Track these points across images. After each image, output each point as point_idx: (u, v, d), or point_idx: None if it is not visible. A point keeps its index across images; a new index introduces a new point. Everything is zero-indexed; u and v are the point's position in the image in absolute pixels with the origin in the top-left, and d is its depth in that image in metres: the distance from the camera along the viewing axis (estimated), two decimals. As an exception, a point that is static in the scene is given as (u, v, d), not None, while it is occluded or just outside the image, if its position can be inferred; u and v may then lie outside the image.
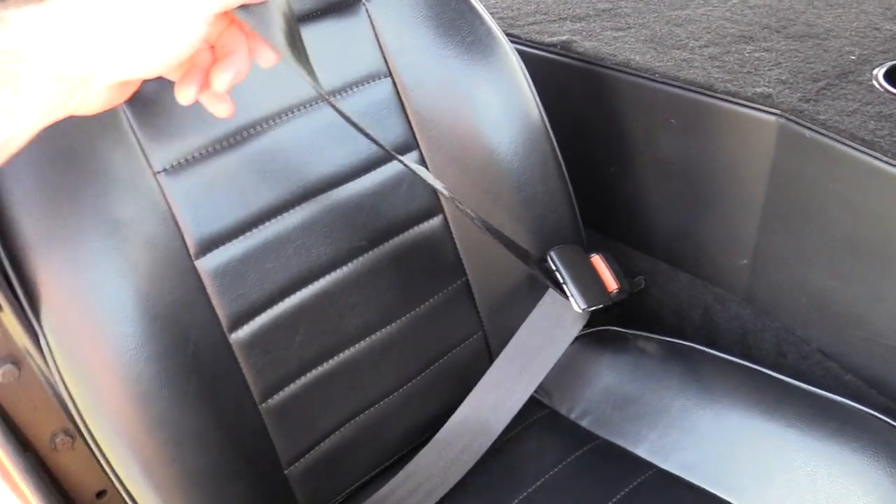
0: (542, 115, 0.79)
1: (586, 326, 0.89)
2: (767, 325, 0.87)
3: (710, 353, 0.82)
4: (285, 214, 0.68)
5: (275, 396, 0.71)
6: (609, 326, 0.89)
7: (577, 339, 0.87)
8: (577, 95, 0.91)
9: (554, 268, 0.76)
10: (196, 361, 0.64)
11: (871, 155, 0.67)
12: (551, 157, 0.79)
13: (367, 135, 0.59)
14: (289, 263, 0.69)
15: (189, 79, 0.47)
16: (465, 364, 0.84)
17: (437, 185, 0.65)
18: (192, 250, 0.64)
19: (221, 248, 0.65)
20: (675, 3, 0.97)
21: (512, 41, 0.93)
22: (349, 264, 0.73)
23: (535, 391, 0.85)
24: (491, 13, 1.00)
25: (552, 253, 0.76)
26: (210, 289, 0.65)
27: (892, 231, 0.68)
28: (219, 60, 0.47)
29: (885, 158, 0.66)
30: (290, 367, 0.71)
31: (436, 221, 0.78)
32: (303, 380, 0.72)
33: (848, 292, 0.75)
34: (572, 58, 0.89)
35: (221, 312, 0.66)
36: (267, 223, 0.67)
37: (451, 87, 0.75)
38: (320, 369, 0.73)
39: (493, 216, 0.78)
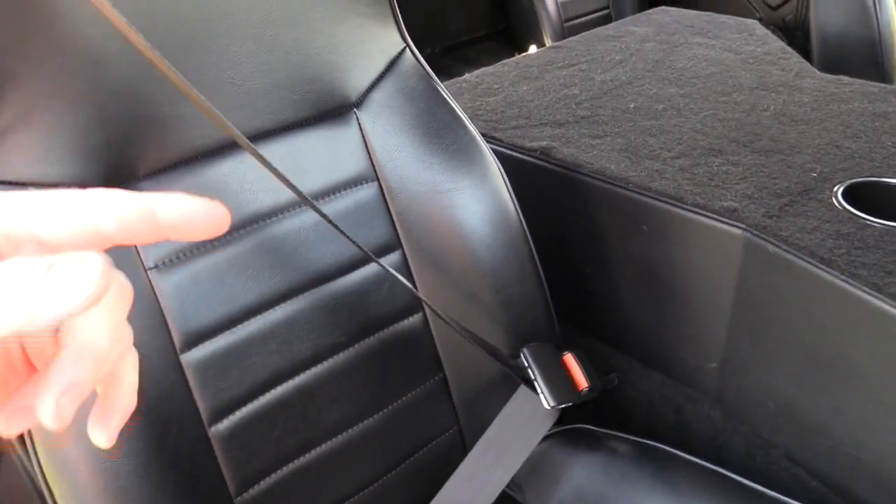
0: (520, 219, 0.82)
1: (559, 423, 0.91)
2: (737, 427, 0.89)
3: (680, 457, 0.83)
4: (270, 311, 0.71)
5: (250, 490, 0.71)
6: (582, 424, 0.91)
7: (550, 435, 0.89)
8: (556, 198, 0.95)
9: (526, 365, 0.78)
10: (175, 455, 0.65)
11: (829, 272, 0.70)
12: (528, 258, 0.83)
13: (348, 237, 0.63)
14: (271, 359, 0.71)
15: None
16: (440, 458, 0.85)
17: (408, 284, 0.68)
18: (177, 345, 0.66)
19: (206, 343, 0.67)
20: (650, 112, 1.03)
21: (495, 144, 0.98)
22: (329, 360, 0.75)
23: (508, 486, 0.86)
24: (476, 115, 1.05)
25: (525, 350, 0.79)
26: (193, 382, 0.67)
27: (851, 346, 0.71)
28: (100, 400, 0.30)
29: (842, 277, 0.69)
30: (267, 461, 0.72)
31: (416, 319, 0.80)
32: (279, 473, 0.73)
33: (812, 401, 0.77)
34: (552, 163, 0.93)
35: (203, 406, 0.67)
36: (252, 319, 0.70)
37: (434, 191, 0.78)
38: (296, 462, 0.74)
39: (471, 315, 0.81)
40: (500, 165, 0.82)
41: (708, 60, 1.22)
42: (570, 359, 0.82)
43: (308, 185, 0.73)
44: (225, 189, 0.69)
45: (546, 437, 0.88)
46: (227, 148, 0.69)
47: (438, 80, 0.81)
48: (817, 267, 0.71)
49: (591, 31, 1.42)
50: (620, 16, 2.25)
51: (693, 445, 0.95)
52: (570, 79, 1.17)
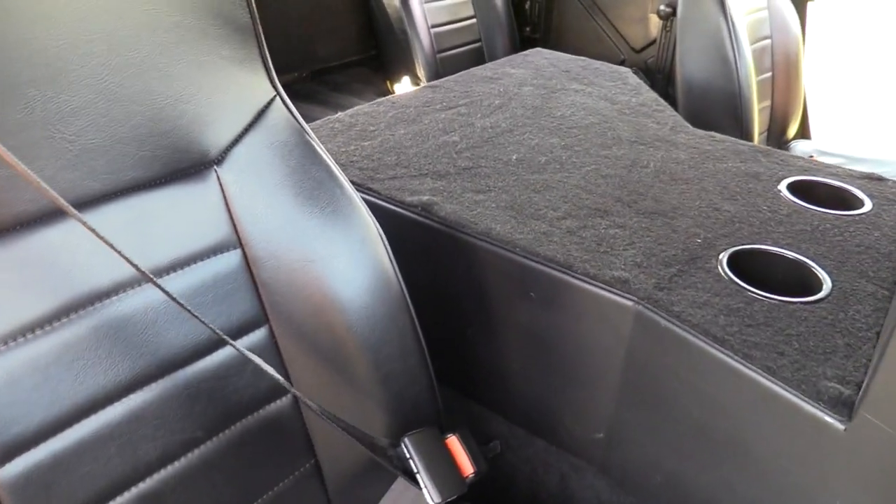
0: (401, 286, 0.75)
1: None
2: (622, 499, 0.86)
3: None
4: (108, 408, 0.59)
5: None
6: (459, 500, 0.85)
7: (432, 516, 0.82)
8: (439, 256, 0.89)
9: (408, 455, 0.71)
10: None
11: (722, 352, 0.68)
12: (410, 329, 0.76)
13: (196, 317, 0.54)
14: (109, 465, 0.59)
15: None
16: (313, 551, 0.76)
17: (272, 372, 0.59)
18: (-13, 457, 0.53)
19: (26, 454, 0.55)
20: (533, 165, 0.99)
21: (372, 196, 0.91)
22: (182, 459, 0.64)
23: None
24: (351, 161, 0.97)
25: (406, 440, 0.72)
26: None
27: (743, 426, 0.69)
28: None
29: (735, 357, 0.67)
30: (104, 583, 0.61)
31: (284, 402, 0.71)
32: None
33: (699, 476, 0.75)
34: (434, 220, 0.87)
35: (20, 530, 0.55)
36: (84, 420, 0.58)
37: (307, 260, 0.70)
38: (143, 580, 0.63)
39: (348, 394, 0.73)
40: (378, 226, 0.75)
41: (586, 109, 1.20)
42: (454, 442, 0.75)
43: (158, 255, 0.63)
44: (53, 263, 0.57)
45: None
46: (54, 215, 0.57)
47: (314, 135, 0.73)
48: (710, 346, 0.69)
49: (469, 70, 1.38)
50: (492, 49, 2.24)
51: (577, 515, 0.91)
52: (449, 123, 1.12)
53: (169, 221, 0.64)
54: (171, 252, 0.64)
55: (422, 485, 0.70)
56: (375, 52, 2.26)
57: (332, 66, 2.21)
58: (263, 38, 0.70)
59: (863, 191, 0.99)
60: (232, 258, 0.67)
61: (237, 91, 0.67)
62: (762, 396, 0.66)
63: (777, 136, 1.92)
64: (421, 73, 2.01)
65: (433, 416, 0.79)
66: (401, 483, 0.75)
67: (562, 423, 0.87)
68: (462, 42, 2.17)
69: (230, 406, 0.67)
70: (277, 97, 0.71)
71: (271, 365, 0.70)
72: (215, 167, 0.66)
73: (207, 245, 0.66)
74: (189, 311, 0.54)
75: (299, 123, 0.72)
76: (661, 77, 2.24)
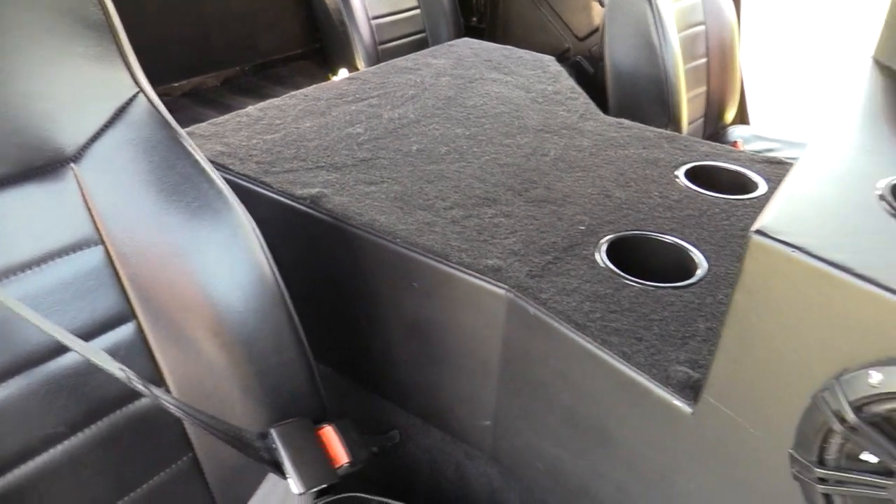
0: (277, 282, 0.75)
1: (334, 491, 0.85)
2: (512, 485, 0.87)
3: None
4: (-41, 405, 0.60)
5: None
6: (355, 493, 0.85)
7: (321, 507, 0.83)
8: (328, 249, 0.90)
9: (274, 446, 0.72)
10: None
11: (583, 338, 0.69)
12: (287, 325, 0.76)
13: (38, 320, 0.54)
14: (-37, 461, 0.60)
15: None
16: (198, 544, 0.77)
17: (119, 373, 0.59)
18: None
19: None
20: (432, 156, 1.00)
21: (264, 189, 0.91)
22: (44, 454, 0.64)
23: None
24: (250, 155, 0.98)
25: (273, 431, 0.72)
26: None
27: (606, 412, 0.70)
28: None
29: (594, 344, 0.68)
30: (-37, 580, 0.61)
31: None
32: (-18, 592, 0.62)
33: (574, 464, 0.76)
34: (322, 213, 0.87)
35: None
36: (-67, 417, 0.58)
37: (174, 254, 0.70)
38: (5, 576, 0.63)
39: (222, 389, 0.74)
40: (251, 220, 0.75)
41: (499, 98, 1.21)
42: (329, 433, 0.76)
43: (12, 252, 0.63)
44: None
45: (317, 510, 0.82)
46: None
47: (179, 128, 0.73)
48: (573, 332, 0.70)
49: (390, 61, 1.38)
50: (437, 40, 2.23)
51: (473, 501, 0.93)
52: (357, 115, 1.12)
53: (23, 219, 0.64)
54: (27, 250, 0.64)
55: (287, 475, 0.71)
56: (319, 45, 2.25)
57: (274, 59, 2.20)
58: (123, 34, 0.69)
59: (761, 175, 1.01)
60: (93, 255, 0.67)
61: (94, 88, 0.67)
62: (620, 382, 0.67)
63: (714, 122, 1.94)
64: (361, 65, 2.01)
65: (314, 409, 0.79)
66: (270, 479, 0.75)
67: (453, 411, 0.88)
68: (405, 33, 2.16)
69: (95, 402, 0.67)
70: (141, 93, 0.71)
71: (140, 360, 0.71)
72: (72, 164, 0.66)
73: (66, 242, 0.66)
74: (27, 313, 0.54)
75: (164, 118, 0.72)
76: (604, 65, 2.25)
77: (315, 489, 0.72)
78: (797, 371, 0.53)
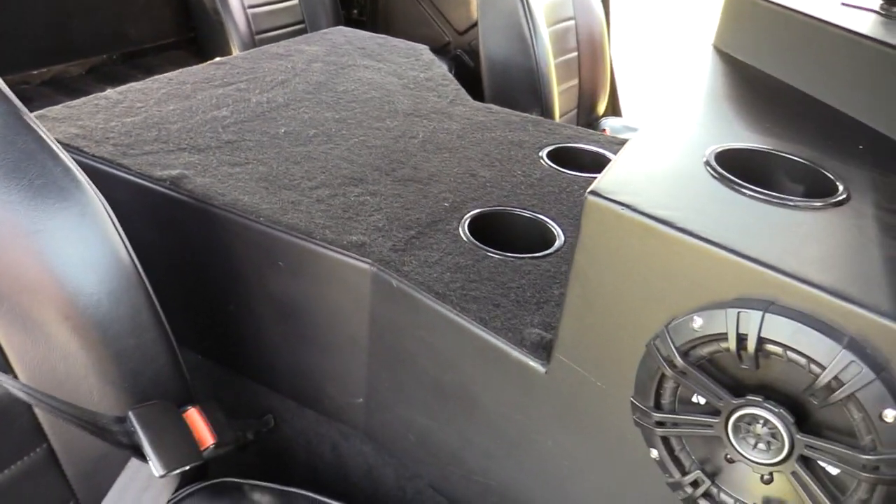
0: (133, 262, 0.73)
1: (205, 478, 0.83)
2: (387, 460, 0.88)
3: (319, 501, 0.80)
4: None
5: None
6: (228, 477, 0.84)
7: (190, 494, 0.81)
8: (192, 232, 0.87)
9: (133, 430, 0.69)
10: None
11: (443, 307, 0.71)
12: (145, 306, 0.74)
13: None
14: None
15: None
16: (56, 539, 0.73)
17: None
18: None
19: None
20: (300, 138, 0.99)
21: (122, 171, 0.88)
22: None
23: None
24: (106, 138, 0.94)
25: (131, 413, 0.70)
26: None
27: (469, 378, 0.72)
28: None
29: (454, 311, 0.70)
30: None
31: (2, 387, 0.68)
32: None
33: (444, 432, 0.78)
34: (182, 194, 0.85)
35: None
36: None
37: (17, 234, 0.66)
38: None
39: (76, 375, 0.71)
40: (103, 199, 0.72)
41: (371, 84, 1.22)
42: (193, 415, 0.74)
43: None
44: None
45: (185, 497, 0.80)
46: None
47: (20, 103, 0.69)
48: (434, 301, 0.71)
49: (262, 47, 1.36)
50: (316, 31, 2.22)
51: (350, 482, 0.93)
52: (223, 99, 1.10)
53: None
54: None
55: (147, 458, 0.69)
56: (193, 34, 2.18)
57: (145, 48, 2.12)
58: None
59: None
60: (-77, 235, 0.63)
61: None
62: (479, 347, 0.69)
63: (587, 114, 2.02)
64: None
65: (178, 393, 0.77)
66: (133, 465, 0.73)
67: (325, 391, 0.88)
68: (283, 23, 2.13)
69: (-71, 392, 0.63)
70: (-27, 65, 0.67)
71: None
72: None
73: None
74: None
75: (3, 93, 0.68)
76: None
77: (178, 471, 0.70)
78: (633, 322, 0.57)
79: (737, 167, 0.60)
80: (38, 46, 1.82)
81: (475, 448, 0.75)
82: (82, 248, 0.70)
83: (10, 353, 0.68)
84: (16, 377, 0.69)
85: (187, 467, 0.71)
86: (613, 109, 2.15)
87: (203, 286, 0.90)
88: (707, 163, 0.61)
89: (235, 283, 0.87)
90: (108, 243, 0.72)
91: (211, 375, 0.97)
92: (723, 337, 0.51)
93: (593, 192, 0.56)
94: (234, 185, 0.86)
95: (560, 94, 1.73)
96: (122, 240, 0.73)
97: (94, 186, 0.72)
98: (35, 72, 1.84)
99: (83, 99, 1.07)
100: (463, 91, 1.24)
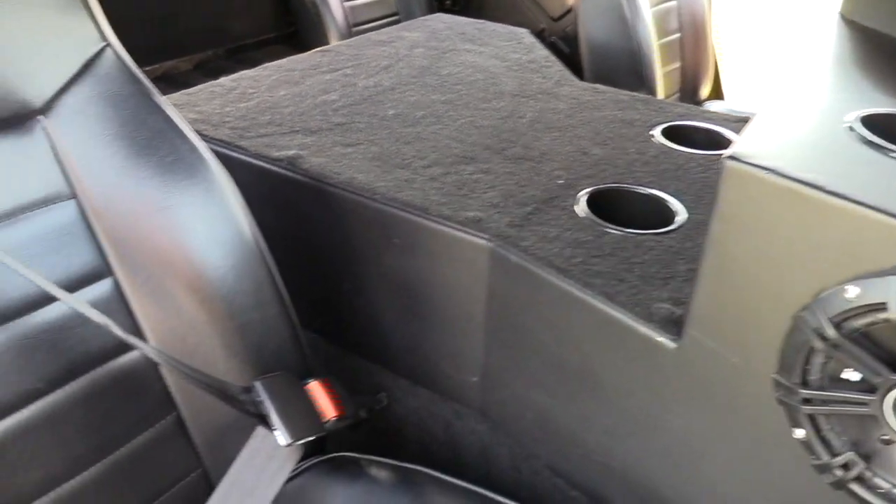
0: (255, 238, 0.75)
1: (322, 452, 0.84)
2: (503, 440, 0.87)
3: (445, 480, 0.79)
4: (-68, 360, 0.58)
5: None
6: (347, 452, 0.85)
7: (309, 467, 0.82)
8: (308, 211, 0.89)
9: (259, 399, 0.71)
10: None
11: (566, 282, 0.69)
12: (267, 281, 0.75)
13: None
14: (-62, 418, 0.59)
15: None
16: (183, 505, 0.76)
17: (102, 318, 0.58)
18: None
19: None
20: (408, 120, 0.99)
21: (240, 153, 0.90)
22: (23, 410, 0.63)
23: (265, 528, 0.78)
24: (223, 122, 0.97)
25: (258, 384, 0.72)
26: None
27: (592, 355, 0.70)
28: None
29: (577, 287, 0.68)
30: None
31: (136, 354, 0.70)
32: (-37, 551, 0.61)
33: (564, 411, 0.76)
34: (299, 174, 0.86)
35: None
36: None
37: (148, 209, 0.69)
38: (-13, 536, 0.62)
39: (204, 346, 0.73)
40: (229, 177, 0.74)
41: (474, 67, 1.21)
42: (315, 387, 0.75)
43: (-20, 206, 0.62)
44: None
45: (304, 470, 0.81)
46: None
47: (151, 84, 0.72)
48: (555, 277, 0.70)
49: (364, 35, 1.38)
50: (410, 22, 2.23)
51: (464, 461, 0.92)
52: (331, 84, 1.11)
53: (-6, 173, 0.63)
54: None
55: (273, 427, 0.70)
56: (293, 28, 2.23)
57: (247, 43, 2.18)
58: (91, -13, 0.69)
59: (736, 132, 1.01)
60: (66, 209, 0.66)
61: (59, 39, 0.66)
62: (603, 322, 0.68)
63: (690, 97, 1.95)
64: (335, 47, 2.00)
65: (298, 367, 0.79)
66: (258, 435, 0.75)
67: (440, 369, 0.88)
68: (378, 15, 2.16)
69: (74, 358, 0.66)
70: (109, 47, 0.70)
71: (119, 317, 0.70)
72: (41, 118, 0.65)
73: (37, 196, 0.65)
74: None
75: (134, 74, 0.71)
76: (578, 44, 2.26)
77: (303, 441, 0.71)
78: (776, 294, 0.54)
79: (885, 133, 0.56)
80: (150, 44, 1.90)
81: (597, 427, 0.74)
82: (209, 224, 0.72)
83: (144, 322, 0.71)
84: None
85: (312, 438, 0.72)
86: (716, 93, 2.08)
87: (318, 265, 0.92)
88: (851, 128, 0.57)
89: (350, 261, 0.88)
90: (233, 219, 0.74)
91: (324, 353, 0.99)
92: (881, 307, 0.48)
93: (732, 157, 0.53)
94: (348, 165, 0.87)
95: (662, 77, 1.68)
96: (246, 216, 0.75)
97: (218, 163, 0.74)
98: (148, 68, 1.92)
99: (199, 87, 1.11)
100: (567, 72, 1.22)
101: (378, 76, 1.15)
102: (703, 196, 0.84)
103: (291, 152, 0.89)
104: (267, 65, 1.20)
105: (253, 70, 1.17)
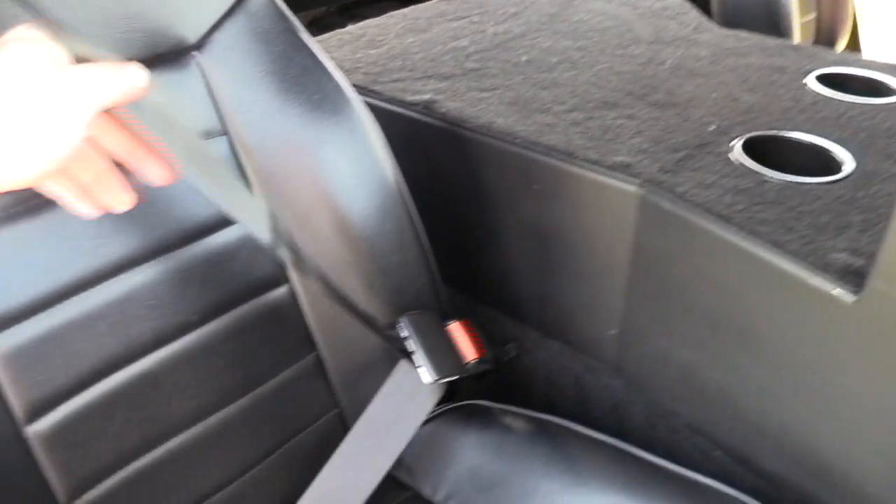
0: (397, 180, 0.74)
1: (452, 400, 0.84)
2: (637, 397, 0.84)
3: (578, 431, 0.78)
4: (98, 287, 0.60)
5: (85, 496, 0.61)
6: (477, 400, 0.84)
7: (440, 413, 0.82)
8: (442, 157, 0.87)
9: (404, 335, 0.70)
10: (-24, 462, 0.54)
11: (727, 230, 0.65)
12: (407, 224, 0.74)
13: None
14: (102, 343, 0.60)
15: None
16: (319, 443, 0.77)
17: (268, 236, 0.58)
18: (-25, 331, 0.55)
19: (16, 328, 0.56)
20: (543, 66, 0.96)
21: (373, 98, 0.89)
22: (177, 341, 0.65)
23: (397, 471, 0.78)
24: (356, 68, 0.96)
25: (403, 319, 0.71)
26: (1, 375, 0.56)
27: (752, 308, 0.66)
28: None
29: (740, 234, 0.64)
30: (105, 461, 0.62)
31: (281, 292, 0.71)
32: (121, 473, 0.63)
33: (713, 368, 0.72)
34: (435, 118, 0.85)
35: (16, 402, 0.57)
36: (74, 298, 0.59)
37: (295, 147, 0.69)
38: (144, 460, 0.64)
39: (346, 286, 0.72)
40: (373, 119, 0.73)
41: (605, 14, 1.16)
42: (456, 328, 0.74)
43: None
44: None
45: (437, 416, 0.81)
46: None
47: (299, 22, 0.71)
48: (715, 224, 0.66)
49: (486, -16, 1.34)
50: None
51: (593, 416, 0.90)
52: (460, 31, 1.09)
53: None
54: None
55: (418, 363, 0.70)
56: (404, -15, 2.21)
57: (359, 0, 2.18)
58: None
59: (899, 81, 0.93)
60: (219, 145, 0.67)
61: (215, -24, 0.66)
62: (769, 274, 0.63)
63: (823, 52, 1.83)
64: (448, 2, 1.97)
65: (436, 309, 0.78)
66: (399, 373, 0.74)
67: (574, 321, 0.85)
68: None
69: (225, 292, 0.67)
70: (259, -17, 0.69)
71: (265, 255, 0.70)
72: (195, 53, 0.66)
73: (194, 131, 0.65)
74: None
75: (282, 12, 0.70)
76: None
77: (445, 380, 0.71)
78: None
79: None
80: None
81: (751, 385, 0.69)
82: (354, 163, 0.72)
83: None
84: (292, 287, 0.72)
85: (455, 377, 0.71)
86: (853, 47, 1.93)
87: (451, 213, 0.90)
88: None
89: (484, 208, 0.86)
90: (376, 160, 0.73)
91: (452, 302, 0.98)
92: None
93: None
94: (485, 109, 0.84)
95: (799, 28, 1.57)
96: (388, 157, 0.74)
97: (361, 102, 0.73)
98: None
99: (326, 35, 1.10)
100: (705, 18, 1.15)
101: (507, 23, 1.12)
102: (870, 145, 0.77)
103: (427, 96, 0.87)
104: (392, 13, 1.18)
105: (378, 18, 1.16)
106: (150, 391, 0.64)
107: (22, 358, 0.56)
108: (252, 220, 0.56)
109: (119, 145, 0.49)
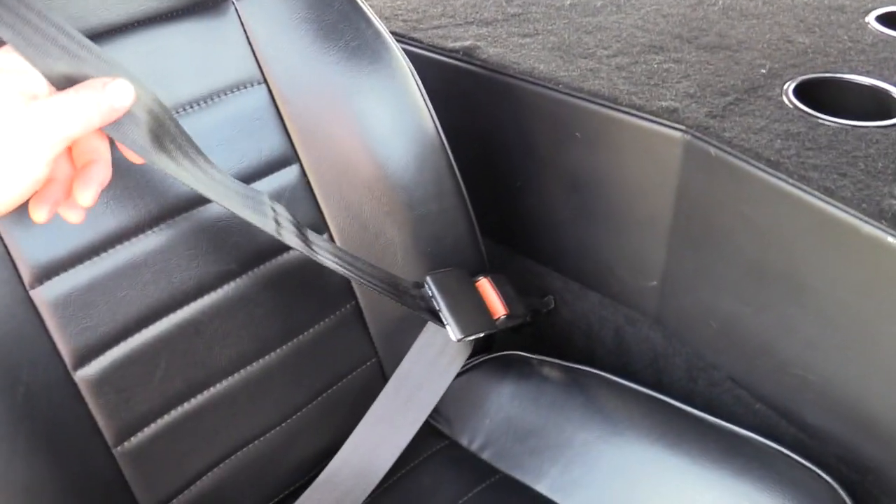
0: (437, 128, 0.73)
1: (489, 350, 0.84)
2: (678, 349, 0.83)
3: (616, 382, 0.77)
4: (141, 236, 0.61)
5: (132, 439, 0.63)
6: (514, 351, 0.84)
7: (479, 364, 0.82)
8: (482, 104, 0.86)
9: (430, 294, 0.70)
10: (28, 405, 0.56)
11: (776, 176, 0.62)
12: (447, 173, 0.73)
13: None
14: (145, 291, 0.61)
15: (45, 197, 0.44)
16: (359, 392, 0.78)
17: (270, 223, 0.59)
18: (25, 278, 0.56)
19: (63, 276, 0.57)
20: (587, 9, 0.93)
21: (414, 45, 0.88)
22: (218, 290, 0.66)
23: (436, 420, 0.79)
24: (395, 14, 0.94)
25: (429, 279, 0.71)
26: (50, 322, 0.57)
27: (799, 258, 0.64)
28: (79, 172, 0.45)
29: (790, 181, 0.62)
30: (150, 406, 0.64)
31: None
32: (166, 418, 0.65)
33: (757, 319, 0.71)
34: (475, 65, 0.83)
35: (64, 348, 0.58)
36: (118, 246, 0.60)
37: (334, 95, 0.68)
38: (187, 406, 0.66)
39: (384, 234, 0.72)
40: (411, 66, 0.72)
41: (653, -46, 1.11)
42: (485, 284, 0.73)
43: (179, 89, 0.62)
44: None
45: (474, 366, 0.81)
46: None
47: (335, -36, 0.70)
48: (763, 171, 0.63)
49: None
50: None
51: (633, 369, 0.89)
52: (501, -25, 1.06)
53: (188, 56, 0.63)
54: (193, 86, 0.63)
55: (444, 322, 0.70)
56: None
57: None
58: None
59: (968, 20, 0.88)
60: (257, 93, 0.66)
61: (251, -81, 0.65)
62: (819, 221, 0.61)
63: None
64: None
65: (473, 262, 0.77)
66: (430, 329, 0.74)
67: (614, 273, 0.84)
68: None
69: (263, 242, 0.67)
70: (293, -72, 0.68)
71: (304, 205, 0.70)
72: (233, 0, 0.65)
73: (230, 80, 0.65)
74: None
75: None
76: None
77: (473, 337, 0.70)
78: None
79: None
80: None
81: (796, 337, 0.68)
82: (392, 111, 0.71)
83: (326, 212, 0.71)
84: (331, 237, 0.72)
85: (482, 334, 0.71)
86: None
87: (490, 161, 0.89)
88: None
89: (525, 157, 0.85)
90: (415, 107, 0.72)
91: (491, 253, 0.97)
92: None
93: None
94: (527, 55, 0.82)
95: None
96: (427, 105, 0.73)
97: (400, 48, 0.72)
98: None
99: (366, -19, 1.08)
100: (759, -43, 1.09)
101: (550, -34, 1.08)
102: (933, 87, 0.73)
103: (467, 43, 0.85)
104: (432, -42, 1.15)
105: (417, -36, 1.13)
106: (193, 338, 0.65)
107: (69, 305, 0.58)
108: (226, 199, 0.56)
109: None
